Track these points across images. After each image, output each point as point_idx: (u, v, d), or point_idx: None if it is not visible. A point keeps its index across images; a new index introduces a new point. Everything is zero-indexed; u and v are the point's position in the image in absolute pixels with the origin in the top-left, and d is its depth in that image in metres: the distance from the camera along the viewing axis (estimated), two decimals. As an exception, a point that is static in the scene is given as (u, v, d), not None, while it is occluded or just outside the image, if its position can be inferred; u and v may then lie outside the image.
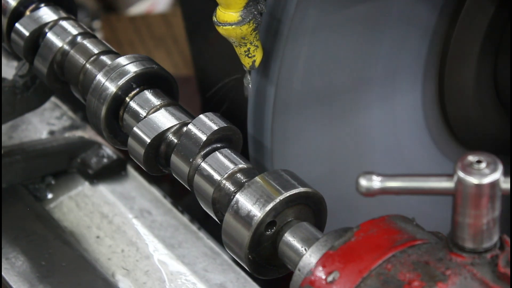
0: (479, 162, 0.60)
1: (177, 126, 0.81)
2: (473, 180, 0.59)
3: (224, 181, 0.75)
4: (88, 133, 1.01)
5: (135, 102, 0.84)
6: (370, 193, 0.64)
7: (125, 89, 0.84)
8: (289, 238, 0.71)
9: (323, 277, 0.64)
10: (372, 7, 0.93)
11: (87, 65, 0.88)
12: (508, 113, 1.07)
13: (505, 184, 0.60)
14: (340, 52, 0.94)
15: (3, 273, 0.88)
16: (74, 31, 0.91)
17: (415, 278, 0.61)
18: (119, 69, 0.84)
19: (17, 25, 0.92)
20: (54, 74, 0.90)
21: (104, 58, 0.88)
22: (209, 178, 0.76)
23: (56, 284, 0.87)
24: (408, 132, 1.04)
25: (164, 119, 0.82)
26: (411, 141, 1.05)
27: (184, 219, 0.93)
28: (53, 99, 1.02)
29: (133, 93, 0.84)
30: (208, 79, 1.20)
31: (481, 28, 1.01)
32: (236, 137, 0.81)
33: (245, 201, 0.72)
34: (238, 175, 0.76)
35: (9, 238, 0.91)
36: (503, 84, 1.04)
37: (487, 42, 1.01)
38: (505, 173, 0.60)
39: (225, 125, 0.79)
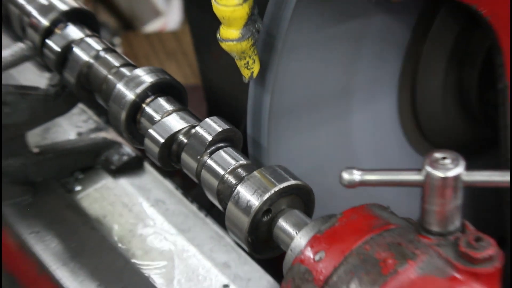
0: (444, 158, 0.61)
1: (187, 128, 0.81)
2: (439, 173, 0.60)
3: (227, 175, 0.76)
4: (110, 134, 1.01)
5: (151, 107, 0.84)
6: (352, 185, 0.65)
7: (142, 97, 0.84)
8: (283, 223, 0.72)
9: (311, 256, 0.65)
10: (354, 26, 0.93)
11: (109, 76, 0.88)
12: (471, 118, 1.08)
13: (466, 177, 0.61)
14: (326, 65, 0.95)
15: (40, 253, 0.89)
16: (97, 47, 0.91)
17: (389, 257, 0.61)
18: (137, 80, 0.85)
19: (49, 41, 0.92)
20: (81, 84, 0.90)
21: (123, 70, 0.88)
22: (214, 173, 0.77)
23: (84, 263, 0.87)
24: (385, 133, 1.04)
25: (175, 122, 0.82)
26: (388, 141, 1.05)
27: (193, 207, 0.94)
28: (80, 105, 1.02)
29: (148, 100, 0.85)
30: (213, 88, 1.20)
31: (447, 45, 1.01)
32: (237, 137, 0.82)
33: (245, 192, 0.72)
34: (239, 170, 0.76)
35: (44, 224, 0.92)
36: (467, 93, 1.05)
37: (452, 57, 1.02)
38: (467, 168, 0.61)
39: (228, 127, 0.80)
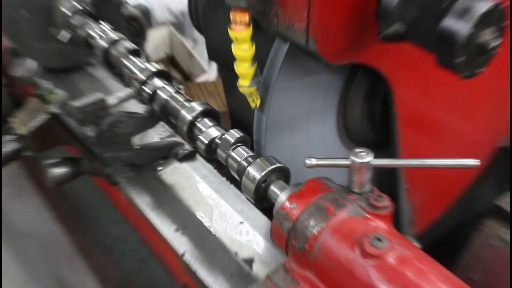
0: (361, 152, 0.62)
1: (220, 135, 0.81)
2: (358, 160, 0.61)
3: (242, 161, 0.76)
4: (178, 138, 1.01)
5: (200, 124, 0.84)
6: (311, 166, 0.66)
7: (195, 118, 0.84)
8: (273, 187, 0.72)
9: (288, 206, 0.65)
10: (313, 78, 0.94)
11: (177, 106, 0.87)
12: (377, 129, 1.07)
13: (374, 162, 0.62)
14: (297, 99, 0.95)
15: (139, 204, 0.88)
16: (171, 90, 0.90)
17: (331, 206, 0.62)
18: (193, 108, 0.85)
19: (144, 87, 0.92)
20: (162, 111, 0.90)
21: (185, 103, 0.88)
22: (235, 160, 0.77)
23: (163, 209, 0.87)
24: (329, 138, 1.04)
25: (214, 132, 0.82)
26: (331, 142, 1.04)
27: (223, 179, 0.93)
28: (161, 122, 1.01)
29: (199, 119, 0.84)
30: (234, 113, 1.20)
31: (364, 88, 1.01)
32: (248, 140, 0.82)
33: (252, 170, 0.73)
34: (249, 158, 0.76)
35: (142, 187, 0.91)
36: (375, 116, 1.04)
37: (366, 95, 1.01)
38: (374, 157, 0.62)
39: (242, 134, 0.80)
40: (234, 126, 1.21)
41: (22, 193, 1.15)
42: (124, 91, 0.94)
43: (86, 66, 1.24)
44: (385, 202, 0.60)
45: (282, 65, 0.85)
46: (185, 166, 0.96)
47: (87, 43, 1.08)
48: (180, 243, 0.81)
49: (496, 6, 0.61)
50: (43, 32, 1.11)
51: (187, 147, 0.98)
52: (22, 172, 1.21)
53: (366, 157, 0.60)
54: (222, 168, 0.90)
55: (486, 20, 0.61)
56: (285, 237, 0.64)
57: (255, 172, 0.72)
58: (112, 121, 0.86)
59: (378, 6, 0.68)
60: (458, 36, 0.60)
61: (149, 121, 0.92)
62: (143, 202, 0.88)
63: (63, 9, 1.08)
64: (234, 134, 0.79)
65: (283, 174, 0.75)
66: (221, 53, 1.04)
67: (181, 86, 0.92)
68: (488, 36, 0.62)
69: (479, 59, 0.65)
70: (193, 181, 0.92)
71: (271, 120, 0.91)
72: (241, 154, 0.77)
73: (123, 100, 0.92)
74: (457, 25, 0.60)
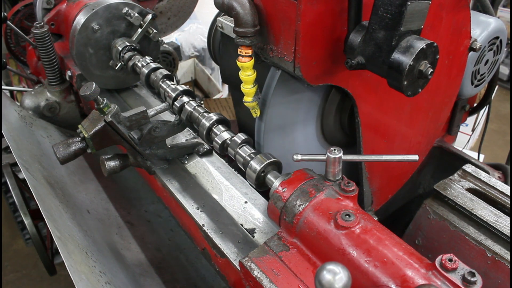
0: (334, 150, 0.61)
1: (230, 137, 0.81)
2: (332, 156, 0.60)
3: (246, 157, 0.76)
4: (199, 140, 0.99)
5: (216, 129, 0.83)
6: (297, 161, 0.66)
7: (212, 125, 0.84)
8: (269, 176, 0.72)
9: (281, 190, 0.64)
10: (298, 95, 0.93)
11: (199, 116, 0.87)
12: (346, 134, 1.06)
13: (343, 158, 0.61)
14: (286, 111, 0.93)
15: (170, 188, 0.86)
16: (194, 104, 0.90)
17: (313, 190, 0.62)
18: (210, 117, 0.84)
19: (175, 102, 0.91)
20: (188, 120, 0.89)
21: (205, 113, 0.87)
22: (241, 155, 0.76)
23: (188, 192, 0.86)
24: (311, 141, 1.02)
25: (226, 135, 0.81)
26: (312, 144, 1.03)
27: (232, 170, 0.92)
28: (187, 128, 0.99)
29: (214, 125, 0.84)
30: (240, 121, 1.19)
31: (336, 102, 1.00)
32: (251, 141, 0.81)
33: (254, 163, 0.72)
34: (251, 154, 0.76)
35: (172, 176, 0.90)
36: (344, 123, 1.03)
37: (338, 108, 1.01)
38: (343, 154, 0.61)
39: (246, 137, 0.79)
40: (240, 130, 1.20)
41: (85, 179, 1.14)
42: (161, 106, 0.93)
43: (133, 87, 1.25)
44: (353, 187, 0.60)
45: (276, 86, 0.85)
46: (204, 160, 0.95)
47: (134, 71, 1.09)
48: (200, 217, 0.80)
49: (431, 43, 0.62)
50: (102, 63, 1.15)
51: (206, 146, 0.98)
52: (85, 164, 1.20)
53: (338, 154, 0.60)
54: (231, 161, 0.89)
55: (423, 54, 0.62)
56: (278, 213, 0.64)
57: (256, 165, 0.72)
58: (151, 127, 0.86)
59: (345, 44, 0.70)
60: (404, 65, 0.61)
61: (178, 127, 0.91)
62: (173, 186, 0.88)
63: (118, 47, 1.11)
64: (240, 137, 0.79)
65: (277, 166, 0.74)
66: (231, 78, 1.04)
67: (202, 102, 0.91)
68: (425, 65, 0.63)
69: (419, 82, 0.66)
70: (210, 171, 0.92)
71: (268, 126, 0.90)
72: (245, 151, 0.77)
73: (159, 112, 0.91)
74: (403, 58, 0.61)
